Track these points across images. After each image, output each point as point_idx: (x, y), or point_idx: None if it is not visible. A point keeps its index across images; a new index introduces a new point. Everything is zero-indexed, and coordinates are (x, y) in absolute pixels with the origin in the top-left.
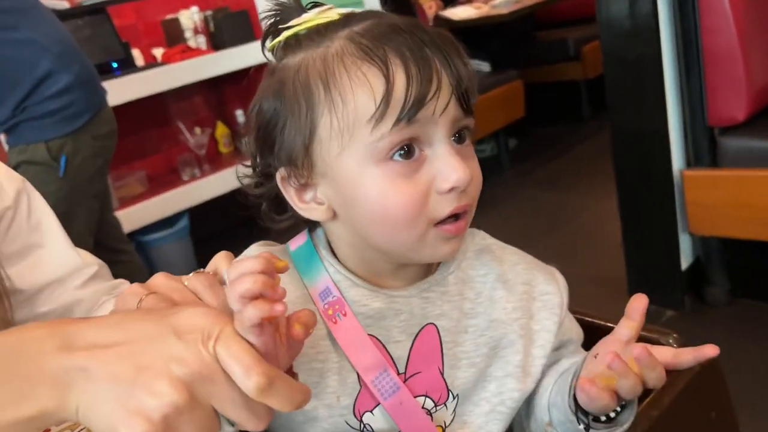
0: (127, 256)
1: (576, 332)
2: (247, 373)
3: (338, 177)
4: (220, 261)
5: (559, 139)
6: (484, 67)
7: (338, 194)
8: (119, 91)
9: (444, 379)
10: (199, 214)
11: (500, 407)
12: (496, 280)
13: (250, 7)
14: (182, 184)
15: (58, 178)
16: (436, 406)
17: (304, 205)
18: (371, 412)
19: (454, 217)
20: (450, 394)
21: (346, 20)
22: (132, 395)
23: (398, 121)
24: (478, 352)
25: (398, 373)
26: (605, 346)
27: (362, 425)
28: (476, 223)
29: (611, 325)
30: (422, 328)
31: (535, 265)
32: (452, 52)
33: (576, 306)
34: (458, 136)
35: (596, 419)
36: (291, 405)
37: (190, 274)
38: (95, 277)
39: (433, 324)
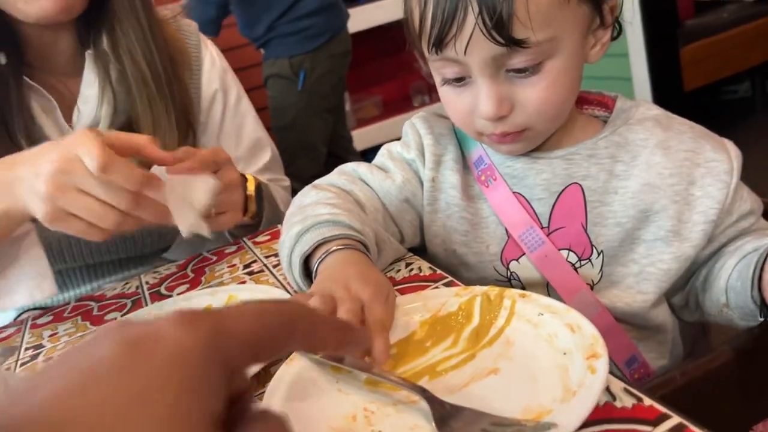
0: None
1: (753, 202)
2: (90, 156)
3: None
4: None
5: None
6: None
7: None
8: (363, 17)
9: (587, 235)
10: None
11: (650, 268)
12: (656, 146)
13: None
14: (412, 110)
15: (297, 91)
16: (580, 260)
17: None
18: (517, 260)
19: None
20: (594, 249)
21: None
22: (33, 188)
23: (430, 50)
24: (626, 213)
25: (542, 227)
26: None
27: (509, 272)
28: None
29: None
30: (566, 187)
31: (704, 135)
32: None
33: None
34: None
35: None
36: (131, 182)
37: None
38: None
39: (578, 184)
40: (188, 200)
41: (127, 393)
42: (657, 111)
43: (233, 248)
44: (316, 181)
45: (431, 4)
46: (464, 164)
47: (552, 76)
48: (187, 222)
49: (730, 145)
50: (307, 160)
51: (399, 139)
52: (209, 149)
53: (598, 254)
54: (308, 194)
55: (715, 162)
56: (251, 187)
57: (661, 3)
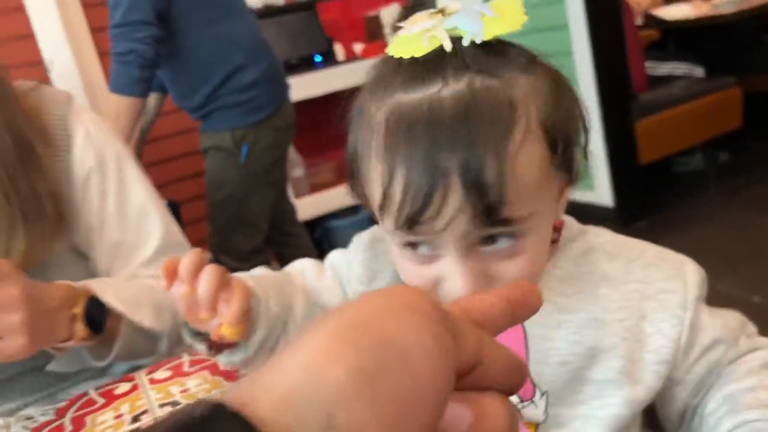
0: (297, 239)
1: (719, 329)
2: None
3: None
4: None
5: None
6: (698, 72)
7: None
8: (320, 82)
9: (529, 375)
10: None
11: (598, 411)
12: (602, 278)
13: None
14: None
15: (239, 165)
16: (521, 401)
17: None
18: None
19: None
20: (537, 390)
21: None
22: None
23: (396, 227)
24: (571, 351)
25: None
26: None
27: None
28: (671, 243)
29: None
30: None
31: (657, 260)
32: (490, 152)
33: None
34: (489, 238)
35: None
36: None
37: None
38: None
39: None
40: None
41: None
42: (607, 237)
43: (127, 386)
44: None
45: (402, 181)
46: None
47: (531, 251)
48: None
49: (689, 268)
50: (246, 235)
51: (353, 206)
52: None
53: (542, 395)
54: None
55: (666, 294)
56: (78, 308)
57: (615, 76)
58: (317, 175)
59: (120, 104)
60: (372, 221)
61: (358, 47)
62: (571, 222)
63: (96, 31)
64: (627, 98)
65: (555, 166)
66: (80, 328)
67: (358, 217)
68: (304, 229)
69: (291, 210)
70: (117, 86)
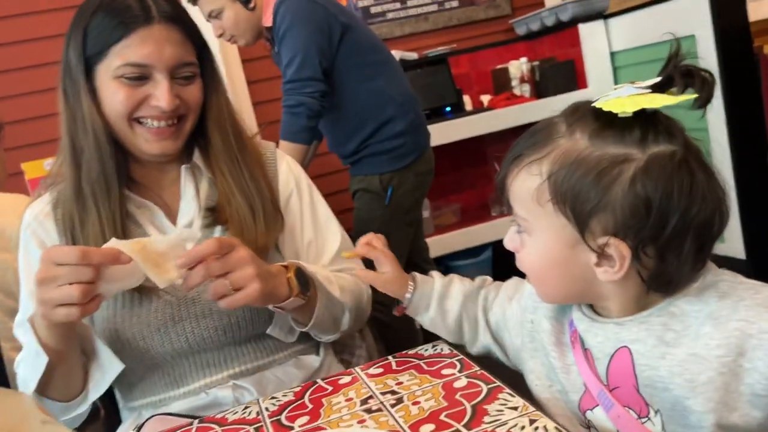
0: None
1: None
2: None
3: None
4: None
5: None
6: None
7: None
8: (449, 132)
9: (641, 395)
10: (502, 248)
11: None
12: (708, 316)
13: (577, 58)
14: (490, 219)
15: (384, 205)
16: (639, 417)
17: None
18: (591, 410)
19: None
20: (650, 408)
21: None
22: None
23: None
24: (673, 381)
25: (604, 385)
26: None
27: (586, 420)
28: None
29: None
30: (617, 350)
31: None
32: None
33: None
34: None
35: None
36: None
37: None
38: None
39: (627, 347)
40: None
41: None
42: (725, 277)
43: (347, 378)
44: None
45: None
46: (557, 314)
47: (530, 247)
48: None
49: None
50: None
51: (476, 247)
52: (213, 241)
53: (656, 413)
54: None
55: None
56: (290, 273)
57: (750, 130)
58: (442, 217)
59: (288, 149)
60: (494, 262)
61: (485, 98)
62: (708, 267)
63: (251, 83)
64: (762, 151)
65: (558, 210)
66: (295, 285)
67: (479, 258)
68: (435, 266)
69: (425, 248)
70: (286, 134)
